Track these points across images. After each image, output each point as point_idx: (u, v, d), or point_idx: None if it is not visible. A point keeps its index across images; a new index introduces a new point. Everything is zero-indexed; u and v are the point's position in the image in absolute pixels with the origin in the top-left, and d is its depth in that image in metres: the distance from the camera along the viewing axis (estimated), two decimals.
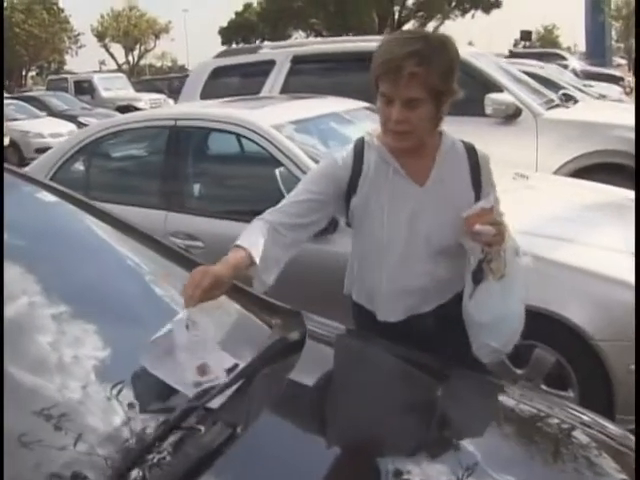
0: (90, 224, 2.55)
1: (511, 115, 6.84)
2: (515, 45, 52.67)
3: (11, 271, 1.88)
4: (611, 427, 2.04)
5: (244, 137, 4.46)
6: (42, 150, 12.01)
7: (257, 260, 2.14)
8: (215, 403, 1.68)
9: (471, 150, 2.37)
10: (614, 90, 18.22)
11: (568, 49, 48.39)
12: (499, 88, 6.99)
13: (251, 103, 5.55)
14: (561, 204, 4.49)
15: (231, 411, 1.68)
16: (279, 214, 2.28)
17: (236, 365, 1.86)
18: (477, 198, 2.32)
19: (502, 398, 2.19)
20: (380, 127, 2.31)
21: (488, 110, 6.79)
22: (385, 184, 2.33)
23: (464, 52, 7.19)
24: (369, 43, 6.73)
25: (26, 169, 5.15)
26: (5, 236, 1.97)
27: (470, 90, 6.96)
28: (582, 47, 47.04)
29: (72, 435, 1.54)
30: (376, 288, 2.40)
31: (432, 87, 2.14)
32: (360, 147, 2.38)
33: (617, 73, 25.32)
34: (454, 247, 2.33)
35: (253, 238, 2.20)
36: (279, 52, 8.07)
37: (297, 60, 7.72)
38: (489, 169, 2.39)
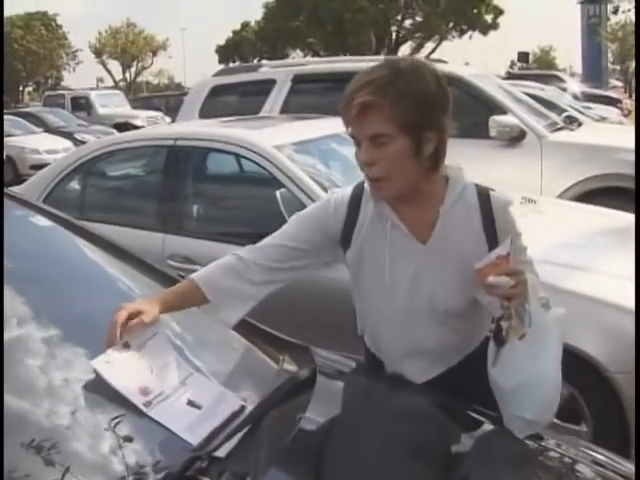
0: (83, 248, 2.47)
1: (515, 137, 6.74)
2: (511, 66, 52.87)
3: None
4: (625, 465, 1.93)
5: (245, 158, 4.36)
6: (37, 166, 11.92)
7: (210, 296, 2.02)
8: (222, 451, 1.55)
9: (484, 196, 2.06)
10: (612, 112, 18.23)
11: (564, 70, 48.56)
12: (503, 110, 6.90)
13: (251, 123, 5.47)
14: (570, 230, 4.38)
15: (239, 460, 1.55)
16: (255, 253, 2.10)
17: (243, 407, 1.73)
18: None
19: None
20: None
21: (492, 132, 6.69)
22: (382, 240, 2.06)
23: (467, 73, 7.24)
24: (371, 63, 6.64)
25: (21, 187, 5.05)
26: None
27: (473, 112, 6.99)
28: (578, 69, 47.40)
29: None
30: (381, 345, 2.20)
31: (400, 119, 1.87)
32: (358, 194, 2.11)
33: (615, 95, 25.37)
34: (464, 309, 2.09)
35: (212, 273, 2.07)
36: (280, 71, 7.98)
37: (298, 79, 7.62)
38: (508, 217, 2.07)
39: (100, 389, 1.68)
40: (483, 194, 2.06)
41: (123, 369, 1.72)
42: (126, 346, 1.79)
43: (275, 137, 4.45)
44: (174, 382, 1.75)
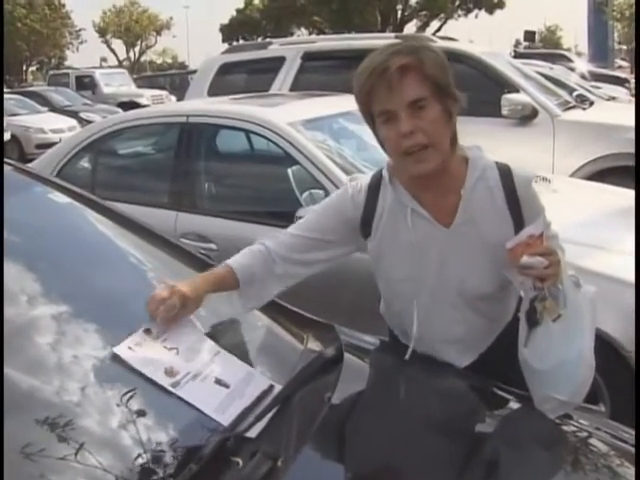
0: (98, 223, 2.43)
1: (528, 116, 6.67)
2: (517, 45, 52.54)
3: (13, 270, 1.78)
4: None
5: (259, 135, 4.31)
6: (43, 146, 11.91)
7: (242, 281, 2.00)
8: (253, 432, 1.52)
9: (506, 174, 1.99)
10: (620, 92, 18.07)
11: (569, 50, 48.22)
12: (515, 88, 6.82)
13: (263, 100, 5.41)
14: (586, 209, 4.34)
15: (270, 440, 1.51)
16: (279, 244, 2.06)
17: (271, 387, 1.70)
18: (517, 230, 1.95)
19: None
20: (392, 160, 2.03)
21: (504, 111, 6.62)
22: (404, 227, 2.01)
23: (478, 51, 7.15)
24: (382, 40, 6.58)
25: (30, 165, 5.00)
26: (11, 235, 1.86)
27: (485, 90, 6.91)
28: (583, 48, 47.01)
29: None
30: (408, 332, 2.15)
31: (432, 79, 1.84)
32: (376, 182, 2.07)
33: (622, 75, 25.17)
34: (493, 291, 2.04)
35: (244, 260, 2.04)
36: (289, 48, 7.91)
37: (308, 57, 7.56)
38: (531, 193, 2.02)
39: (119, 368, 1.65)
40: (505, 172, 2.01)
41: (147, 353, 1.68)
42: (148, 331, 1.75)
43: (288, 114, 4.41)
44: (201, 361, 1.71)
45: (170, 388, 1.60)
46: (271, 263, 2.04)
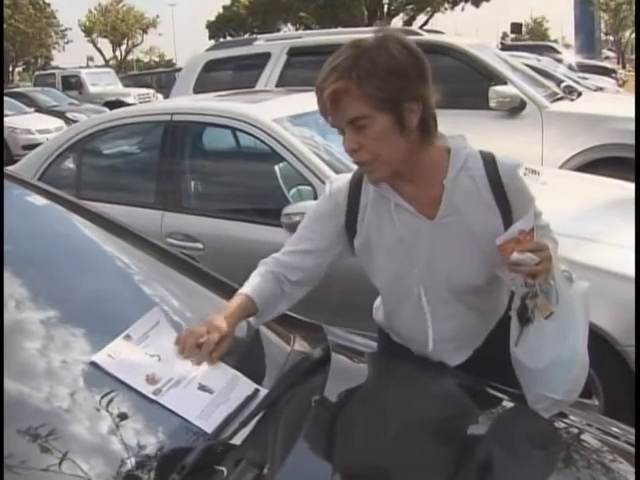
0: (81, 226, 2.37)
1: (516, 108, 6.62)
2: (503, 38, 52.60)
3: None
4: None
5: (244, 132, 4.26)
6: (30, 147, 11.79)
7: (259, 309, 1.95)
8: (237, 439, 1.47)
9: (490, 163, 1.93)
10: (608, 82, 18.12)
11: (556, 42, 48.32)
12: (502, 80, 6.78)
13: (248, 97, 5.37)
14: (576, 201, 4.30)
15: (255, 447, 1.46)
16: (282, 265, 2.03)
17: (257, 391, 1.65)
18: (506, 221, 1.90)
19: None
20: None
21: (492, 103, 6.57)
22: (388, 222, 1.97)
23: (464, 43, 7.11)
24: (366, 34, 6.53)
25: (14, 167, 4.94)
26: None
27: (473, 83, 6.87)
28: (570, 40, 47.07)
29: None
30: (401, 330, 2.14)
31: (372, 98, 1.76)
32: (357, 180, 2.02)
33: (609, 65, 25.23)
34: (484, 284, 1.98)
35: (259, 285, 1.99)
36: (274, 44, 7.85)
37: (293, 52, 7.50)
38: (518, 182, 1.96)
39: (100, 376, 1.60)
40: (489, 161, 1.94)
41: (127, 361, 1.63)
42: (127, 338, 1.70)
43: (274, 110, 4.36)
44: (184, 366, 1.66)
45: (151, 396, 1.55)
46: (280, 283, 2.00)
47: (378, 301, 2.23)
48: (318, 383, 1.76)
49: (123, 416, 1.51)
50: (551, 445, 1.81)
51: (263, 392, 1.65)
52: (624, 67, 35.92)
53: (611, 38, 61.31)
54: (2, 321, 1.55)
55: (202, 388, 1.61)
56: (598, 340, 3.11)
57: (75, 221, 2.37)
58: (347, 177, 2.05)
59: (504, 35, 55.85)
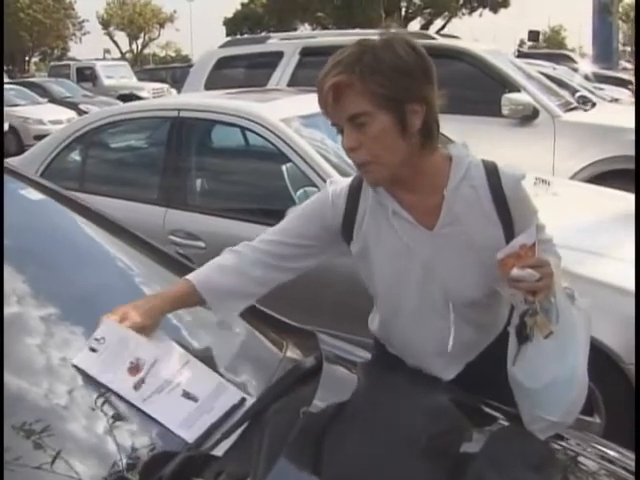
0: (78, 223, 2.34)
1: (528, 116, 6.55)
2: (521, 45, 52.42)
3: None
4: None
5: (251, 131, 4.20)
6: (41, 137, 11.73)
7: (207, 298, 1.88)
8: (219, 450, 1.41)
9: (493, 172, 1.87)
10: (624, 93, 17.97)
11: (573, 51, 48.11)
12: (516, 88, 6.70)
13: (258, 95, 5.32)
14: (586, 213, 4.23)
15: (238, 459, 1.41)
16: (254, 251, 1.95)
17: (243, 400, 1.60)
18: (507, 233, 1.85)
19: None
20: None
21: (505, 110, 6.50)
22: (386, 230, 1.91)
23: (479, 49, 7.05)
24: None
25: (20, 158, 4.91)
26: None
27: (486, 89, 6.80)
28: (587, 49, 46.80)
29: None
30: (395, 341, 2.08)
31: (374, 94, 1.70)
32: (358, 184, 1.94)
33: (625, 76, 25.06)
34: (482, 298, 1.92)
35: (209, 273, 1.92)
36: (287, 43, 7.81)
37: (306, 52, 7.44)
38: (520, 193, 1.88)
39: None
40: (491, 170, 1.88)
41: (111, 363, 1.58)
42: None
43: (282, 110, 4.30)
44: (169, 372, 1.61)
45: (138, 403, 1.50)
46: (244, 270, 1.92)
47: (374, 310, 2.18)
48: (308, 393, 1.70)
49: (105, 424, 1.46)
50: (546, 467, 1.76)
51: (250, 401, 1.60)
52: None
53: (629, 49, 60.99)
54: (2, 320, 1.50)
55: (186, 395, 1.56)
56: (601, 357, 3.05)
57: (72, 216, 2.34)
58: (347, 181, 1.99)
59: (521, 42, 55.64)
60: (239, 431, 1.49)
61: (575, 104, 7.41)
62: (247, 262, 1.93)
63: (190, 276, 1.91)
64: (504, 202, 1.86)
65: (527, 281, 1.71)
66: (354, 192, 1.95)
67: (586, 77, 17.60)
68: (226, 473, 1.37)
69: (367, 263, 1.97)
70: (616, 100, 13.10)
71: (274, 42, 8.01)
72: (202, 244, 3.96)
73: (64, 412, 1.47)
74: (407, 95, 1.74)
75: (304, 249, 1.96)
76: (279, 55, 7.53)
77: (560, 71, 13.83)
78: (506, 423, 1.90)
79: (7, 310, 1.64)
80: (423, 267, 1.90)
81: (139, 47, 72.54)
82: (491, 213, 1.87)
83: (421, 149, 1.81)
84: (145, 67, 44.79)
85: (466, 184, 1.87)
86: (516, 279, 1.71)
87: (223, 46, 8.39)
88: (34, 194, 2.30)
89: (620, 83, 20.98)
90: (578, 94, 8.34)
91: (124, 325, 1.67)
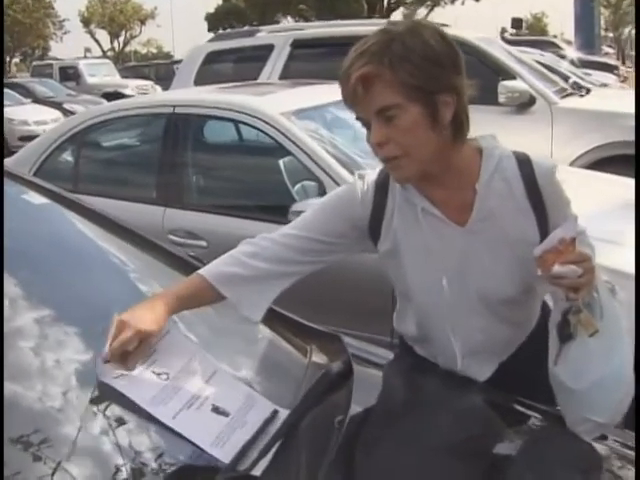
0: (77, 224, 2.26)
1: (525, 104, 6.47)
2: (503, 33, 52.34)
3: None
4: None
5: (250, 125, 4.11)
6: (26, 138, 11.61)
7: (226, 293, 1.76)
8: (258, 469, 1.31)
9: (525, 163, 1.79)
10: (610, 79, 17.96)
11: (555, 37, 48.14)
12: (511, 75, 6.62)
13: (253, 89, 5.23)
14: (593, 200, 4.13)
15: (277, 478, 1.31)
16: (274, 244, 1.83)
17: (276, 412, 1.50)
18: (541, 227, 1.76)
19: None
20: None
21: (501, 98, 6.42)
22: (415, 228, 1.81)
23: (473, 37, 6.94)
24: (373, 27, 6.38)
25: (11, 159, 4.80)
26: None
27: (480, 77, 6.68)
28: (569, 35, 46.77)
29: None
30: (426, 343, 1.98)
31: (405, 85, 1.61)
32: (384, 180, 1.84)
33: (612, 62, 25.09)
34: (517, 295, 1.85)
35: (224, 266, 1.79)
36: (278, 36, 7.69)
37: (297, 44, 7.33)
38: (555, 184, 1.79)
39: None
40: (524, 161, 1.79)
41: (134, 380, 1.47)
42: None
43: (281, 104, 4.20)
44: (196, 385, 1.51)
45: (162, 419, 1.39)
46: (264, 262, 1.80)
47: (397, 309, 2.08)
48: (340, 401, 1.60)
49: (129, 444, 1.36)
50: (592, 471, 1.67)
51: (282, 413, 1.50)
52: (624, 63, 35.73)
53: (610, 34, 61.13)
54: (2, 324, 1.41)
55: (216, 410, 1.46)
56: None
57: (70, 217, 2.25)
58: (373, 176, 1.88)
59: (503, 30, 55.58)
60: (275, 447, 1.38)
61: (570, 90, 7.33)
62: (268, 255, 1.81)
63: (202, 270, 1.79)
64: (538, 194, 1.77)
65: (569, 278, 1.60)
66: (381, 188, 1.85)
67: (572, 63, 17.58)
68: None
69: (397, 262, 1.87)
70: (605, 85, 13.05)
71: (264, 35, 7.88)
72: (204, 243, 3.86)
73: (72, 421, 1.37)
74: (438, 85, 1.64)
75: (329, 245, 1.85)
76: (269, 48, 7.41)
77: (547, 58, 13.75)
78: (544, 423, 1.81)
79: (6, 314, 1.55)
80: (456, 265, 1.81)
81: (120, 45, 72.15)
82: (525, 206, 1.78)
83: (452, 142, 1.71)
84: (127, 64, 44.52)
85: (498, 177, 1.78)
86: (558, 276, 1.60)
87: (212, 40, 8.28)
88: (32, 195, 2.20)
89: (605, 68, 21.00)
90: (571, 80, 8.26)
91: (130, 332, 1.55)
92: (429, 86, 1.63)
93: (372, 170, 1.92)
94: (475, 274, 1.81)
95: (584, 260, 1.62)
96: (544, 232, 1.74)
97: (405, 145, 1.66)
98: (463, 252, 1.80)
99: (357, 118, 1.71)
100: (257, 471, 1.31)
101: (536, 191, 1.77)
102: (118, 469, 1.29)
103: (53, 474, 1.22)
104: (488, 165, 1.78)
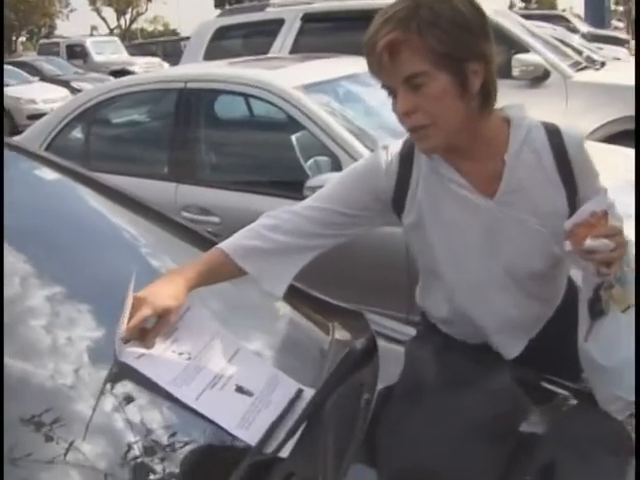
0: (91, 200, 2.21)
1: (539, 77, 6.41)
2: (510, 7, 51.93)
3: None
4: None
5: (263, 100, 4.05)
6: (34, 117, 11.57)
7: (247, 268, 1.70)
8: (285, 451, 1.26)
9: (555, 134, 1.73)
10: (621, 52, 17.81)
11: (564, 11, 47.72)
12: (525, 49, 6.54)
13: (264, 63, 5.16)
14: (609, 174, 4.07)
15: (304, 460, 1.26)
16: (296, 216, 1.77)
17: (300, 391, 1.45)
18: (570, 199, 1.72)
19: None
20: None
21: (515, 72, 6.36)
22: (442, 200, 1.77)
23: (490, 10, 6.83)
24: (384, 0, 6.30)
25: (20, 137, 4.75)
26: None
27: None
28: (578, 10, 46.35)
29: None
30: (453, 319, 1.93)
31: (433, 51, 1.55)
32: (408, 150, 1.79)
33: (622, 35, 24.86)
34: (545, 269, 1.80)
35: (244, 240, 1.74)
36: (288, 10, 7.60)
37: (308, 18, 7.26)
38: (584, 155, 1.75)
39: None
40: (553, 132, 1.74)
41: (154, 360, 1.42)
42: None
43: (293, 77, 4.14)
44: (218, 365, 1.46)
45: (185, 401, 1.35)
46: (285, 236, 1.75)
47: (421, 285, 2.03)
48: (365, 379, 1.55)
49: (149, 427, 1.32)
50: (626, 451, 1.62)
51: (307, 392, 1.45)
52: (633, 38, 35.47)
53: (620, 8, 60.60)
54: (2, 314, 1.36)
55: (240, 390, 1.41)
56: None
57: (84, 193, 2.20)
58: (397, 146, 1.82)
59: (511, 4, 55.14)
60: (302, 428, 1.33)
61: (585, 64, 7.23)
62: (289, 228, 1.75)
63: (221, 245, 1.74)
64: (568, 165, 1.72)
65: (601, 252, 1.54)
66: (406, 159, 1.79)
67: (583, 37, 17.42)
68: (296, 477, 1.22)
69: (421, 235, 1.81)
70: (617, 59, 12.93)
71: (274, 9, 7.80)
72: (217, 219, 3.82)
73: (85, 399, 1.33)
74: (467, 52, 1.58)
75: (351, 218, 1.79)
76: (279, 22, 7.34)
77: (559, 32, 13.62)
78: (574, 401, 1.77)
79: (17, 291, 1.52)
80: (484, 238, 1.76)
81: (127, 22, 71.85)
82: (554, 178, 1.73)
83: (480, 112, 1.65)
84: (134, 42, 44.32)
85: (527, 148, 1.73)
86: (590, 250, 1.55)
87: (221, 15, 8.22)
88: (43, 171, 2.15)
89: (616, 42, 20.83)
90: (585, 54, 8.16)
91: (148, 309, 1.50)
92: (458, 53, 1.57)
93: (395, 141, 1.87)
94: (503, 248, 1.76)
95: (616, 234, 1.56)
96: (573, 205, 1.70)
97: (433, 114, 1.61)
98: (491, 225, 1.75)
99: (382, 86, 1.65)
100: (284, 453, 1.27)
101: (566, 162, 1.72)
102: (130, 447, 1.25)
103: (66, 454, 1.17)
104: (517, 135, 1.72)
